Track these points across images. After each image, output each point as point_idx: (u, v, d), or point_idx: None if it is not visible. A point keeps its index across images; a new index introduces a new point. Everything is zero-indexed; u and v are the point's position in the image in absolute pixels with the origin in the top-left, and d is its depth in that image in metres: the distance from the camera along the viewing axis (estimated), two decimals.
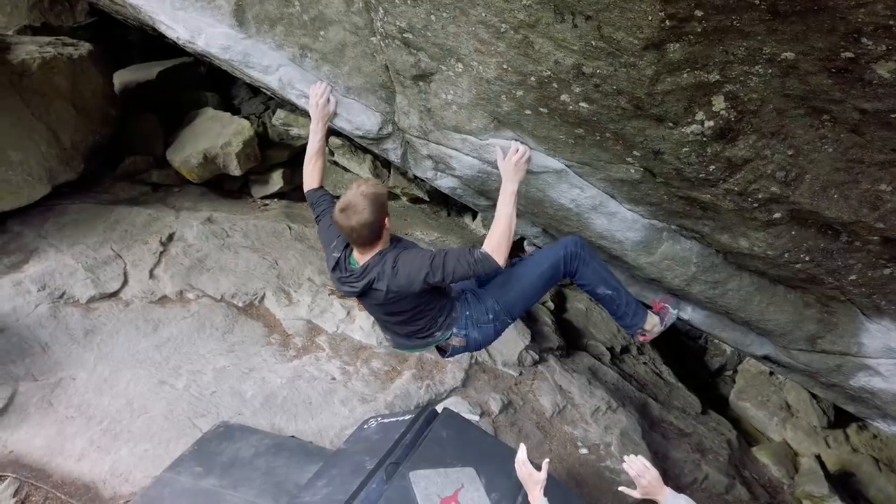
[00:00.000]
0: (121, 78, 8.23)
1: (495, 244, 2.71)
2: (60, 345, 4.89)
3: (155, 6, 3.15)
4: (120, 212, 6.39)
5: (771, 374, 6.69)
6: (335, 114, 3.25)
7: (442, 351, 3.18)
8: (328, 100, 3.18)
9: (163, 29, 3.25)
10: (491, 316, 3.04)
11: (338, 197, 2.96)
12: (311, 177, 3.14)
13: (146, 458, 4.16)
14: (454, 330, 3.02)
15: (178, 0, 3.13)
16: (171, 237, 6.14)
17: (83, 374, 4.72)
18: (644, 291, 3.96)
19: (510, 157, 2.93)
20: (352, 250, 2.87)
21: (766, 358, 4.14)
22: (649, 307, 3.47)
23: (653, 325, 3.33)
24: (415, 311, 2.92)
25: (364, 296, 2.89)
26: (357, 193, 2.67)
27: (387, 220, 2.75)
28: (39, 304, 5.10)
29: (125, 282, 5.58)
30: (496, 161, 3.01)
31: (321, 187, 3.16)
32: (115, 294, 5.44)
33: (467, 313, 3.02)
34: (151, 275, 5.69)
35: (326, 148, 7.54)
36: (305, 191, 3.17)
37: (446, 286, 2.96)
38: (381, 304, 2.88)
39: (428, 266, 2.69)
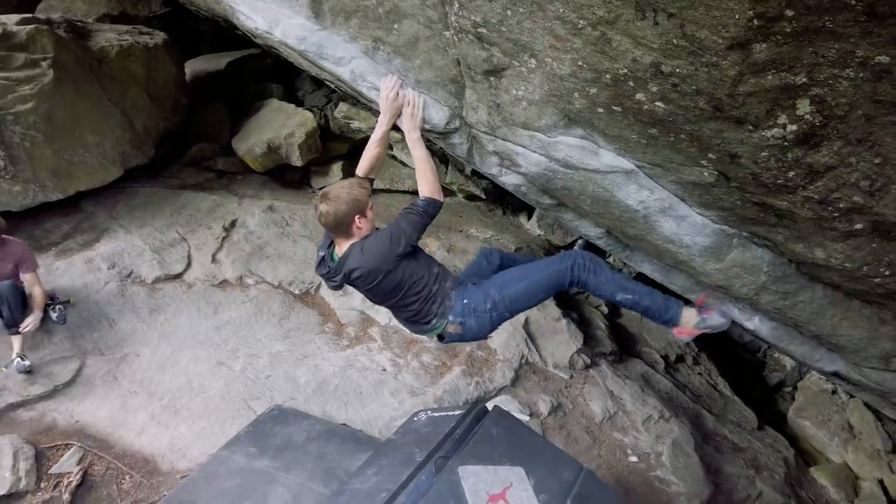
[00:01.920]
0: (192, 67, 8.51)
1: (430, 187, 2.99)
2: (127, 322, 5.10)
3: None
4: (186, 197, 6.61)
5: (833, 392, 6.44)
6: (402, 108, 3.26)
7: (440, 337, 3.26)
8: (398, 94, 3.20)
9: (241, 19, 3.34)
10: (489, 305, 3.08)
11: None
12: (363, 164, 3.24)
13: (203, 435, 4.30)
14: (450, 318, 3.10)
15: None
16: (233, 223, 6.32)
17: (147, 350, 4.90)
18: None
19: (407, 113, 3.21)
20: (334, 247, 3.07)
21: (835, 374, 3.98)
22: (690, 303, 3.37)
23: (688, 319, 3.20)
24: (402, 294, 3.05)
25: (353, 285, 3.09)
26: (341, 186, 2.96)
27: (359, 220, 2.93)
28: (109, 282, 5.32)
29: (189, 264, 5.77)
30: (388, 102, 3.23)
31: (366, 178, 3.23)
32: (178, 276, 5.64)
33: (465, 301, 3.08)
34: (214, 259, 5.87)
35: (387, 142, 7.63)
36: (356, 173, 3.28)
37: (432, 267, 3.13)
38: (369, 288, 3.05)
39: (388, 238, 2.91)
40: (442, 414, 3.52)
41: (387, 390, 4.89)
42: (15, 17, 5.84)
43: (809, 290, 3.25)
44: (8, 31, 5.57)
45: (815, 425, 6.32)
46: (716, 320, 3.23)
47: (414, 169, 3.15)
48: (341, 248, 3.02)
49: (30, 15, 6.19)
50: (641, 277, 4.13)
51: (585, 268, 3.07)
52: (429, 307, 3.09)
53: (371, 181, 3.25)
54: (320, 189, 7.62)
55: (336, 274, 3.03)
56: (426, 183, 3.02)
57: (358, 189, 2.93)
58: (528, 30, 2.54)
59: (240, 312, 5.40)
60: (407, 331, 5.37)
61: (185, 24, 9.49)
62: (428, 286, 3.07)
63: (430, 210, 2.97)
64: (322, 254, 3.11)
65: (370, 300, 3.28)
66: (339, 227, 2.95)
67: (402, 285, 3.01)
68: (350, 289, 5.67)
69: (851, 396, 6.25)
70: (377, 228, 3.07)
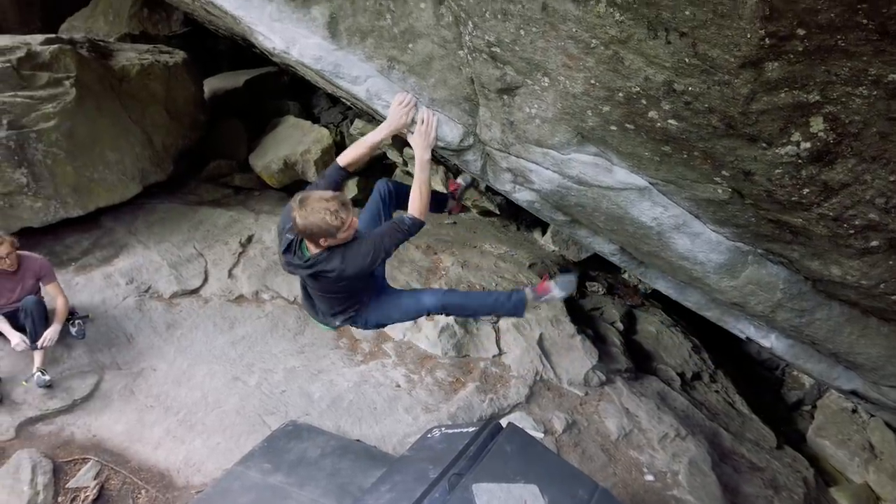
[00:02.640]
0: (210, 85, 8.64)
1: (420, 208, 3.09)
2: (144, 336, 5.15)
3: (254, 17, 3.31)
4: (204, 213, 6.69)
5: (854, 411, 6.34)
6: (410, 126, 3.29)
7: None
8: (409, 111, 3.23)
9: (260, 39, 3.40)
10: (372, 325, 3.54)
11: (340, 181, 3.20)
12: (345, 156, 3.24)
13: (218, 450, 4.31)
14: (352, 327, 3.61)
15: (276, 12, 3.28)
16: (249, 239, 6.38)
17: (163, 365, 4.95)
18: (724, 317, 3.83)
19: (421, 131, 3.22)
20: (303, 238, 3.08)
21: (853, 393, 3.93)
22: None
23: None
24: (347, 297, 3.26)
25: (311, 276, 3.13)
26: (319, 207, 2.83)
27: (324, 241, 2.93)
28: (127, 297, 5.39)
29: (205, 280, 5.83)
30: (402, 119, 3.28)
31: (344, 168, 3.23)
32: (195, 291, 5.70)
33: (365, 317, 3.43)
34: (230, 274, 5.93)
35: (401, 158, 7.70)
36: (337, 160, 3.29)
37: (376, 279, 3.42)
38: (325, 286, 3.16)
39: (371, 252, 3.00)
40: (456, 430, 3.52)
41: (401, 406, 4.89)
42: (39, 38, 5.99)
43: (826, 308, 3.22)
44: (32, 51, 5.71)
45: (834, 445, 6.21)
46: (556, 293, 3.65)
47: None
48: (311, 247, 3.02)
49: (53, 35, 6.34)
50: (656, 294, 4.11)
51: (445, 307, 3.43)
52: (347, 309, 3.34)
53: (348, 174, 3.28)
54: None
55: (304, 268, 3.05)
56: (419, 203, 3.09)
57: (331, 217, 2.83)
58: (542, 49, 2.57)
59: (255, 327, 5.44)
60: (421, 346, 5.44)
61: (205, 43, 9.67)
62: (361, 296, 3.33)
63: (414, 230, 3.09)
64: (290, 237, 3.08)
65: (311, 287, 3.32)
66: (308, 238, 2.98)
67: (348, 291, 3.22)
68: None
69: (872, 415, 6.14)
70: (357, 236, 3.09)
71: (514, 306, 3.55)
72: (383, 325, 3.64)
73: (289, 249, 3.11)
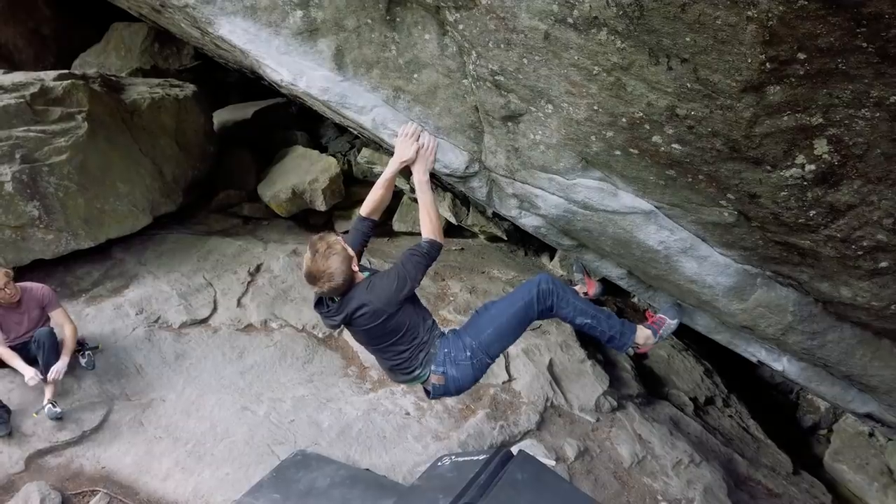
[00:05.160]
0: (219, 117, 8.76)
1: (433, 229, 3.12)
2: (153, 367, 5.15)
3: (262, 51, 3.37)
4: (213, 242, 6.73)
5: (871, 434, 6.23)
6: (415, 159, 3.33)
7: (427, 393, 3.30)
8: (413, 144, 3.27)
9: (268, 72, 3.46)
10: (468, 353, 3.15)
11: (368, 231, 3.29)
12: (367, 204, 3.34)
13: (227, 481, 4.28)
14: (432, 367, 3.14)
15: (283, 45, 3.35)
16: (258, 268, 6.41)
17: (172, 395, 4.94)
18: (735, 340, 3.80)
19: (422, 155, 3.27)
20: None
21: (868, 416, 3.87)
22: (646, 318, 3.64)
23: (645, 338, 3.46)
24: (397, 338, 3.08)
25: (350, 325, 3.11)
26: (320, 261, 2.88)
27: (354, 265, 2.98)
28: (136, 328, 5.40)
29: (214, 309, 5.85)
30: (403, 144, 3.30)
31: (368, 218, 3.33)
32: (204, 321, 5.71)
33: (445, 350, 3.14)
34: (239, 303, 5.94)
35: (408, 185, 7.75)
36: (359, 213, 3.37)
37: (426, 317, 3.22)
38: (365, 329, 3.06)
39: (396, 279, 2.98)
40: (466, 459, 3.49)
41: (410, 434, 4.84)
42: (52, 74, 6.11)
43: (837, 330, 3.20)
44: (46, 87, 5.83)
45: (852, 469, 6.09)
46: (668, 328, 3.58)
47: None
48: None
49: (66, 71, 6.48)
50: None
51: (551, 293, 3.19)
52: (416, 355, 3.14)
53: (374, 222, 3.36)
54: (344, 233, 7.73)
55: (338, 314, 3.04)
56: (430, 225, 3.13)
57: (336, 251, 2.90)
58: (545, 77, 2.60)
59: (264, 356, 5.43)
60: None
61: (214, 75, 9.85)
62: (421, 335, 3.14)
63: (433, 252, 3.08)
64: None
65: (360, 341, 3.30)
66: (346, 287, 2.97)
67: (400, 329, 3.07)
68: None
69: (889, 439, 6.04)
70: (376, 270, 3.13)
71: (622, 332, 3.33)
72: (489, 353, 3.19)
73: (320, 303, 3.14)
